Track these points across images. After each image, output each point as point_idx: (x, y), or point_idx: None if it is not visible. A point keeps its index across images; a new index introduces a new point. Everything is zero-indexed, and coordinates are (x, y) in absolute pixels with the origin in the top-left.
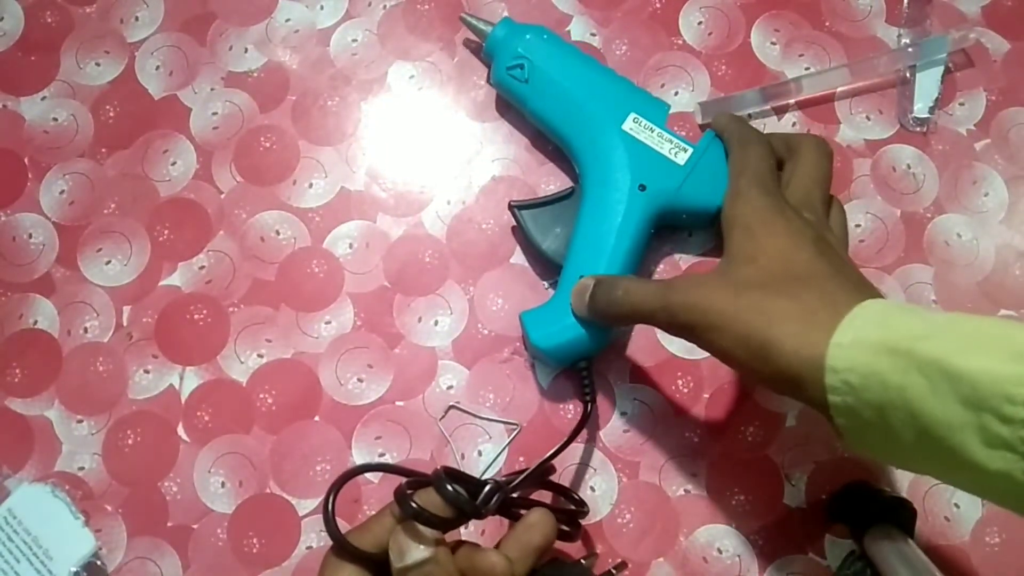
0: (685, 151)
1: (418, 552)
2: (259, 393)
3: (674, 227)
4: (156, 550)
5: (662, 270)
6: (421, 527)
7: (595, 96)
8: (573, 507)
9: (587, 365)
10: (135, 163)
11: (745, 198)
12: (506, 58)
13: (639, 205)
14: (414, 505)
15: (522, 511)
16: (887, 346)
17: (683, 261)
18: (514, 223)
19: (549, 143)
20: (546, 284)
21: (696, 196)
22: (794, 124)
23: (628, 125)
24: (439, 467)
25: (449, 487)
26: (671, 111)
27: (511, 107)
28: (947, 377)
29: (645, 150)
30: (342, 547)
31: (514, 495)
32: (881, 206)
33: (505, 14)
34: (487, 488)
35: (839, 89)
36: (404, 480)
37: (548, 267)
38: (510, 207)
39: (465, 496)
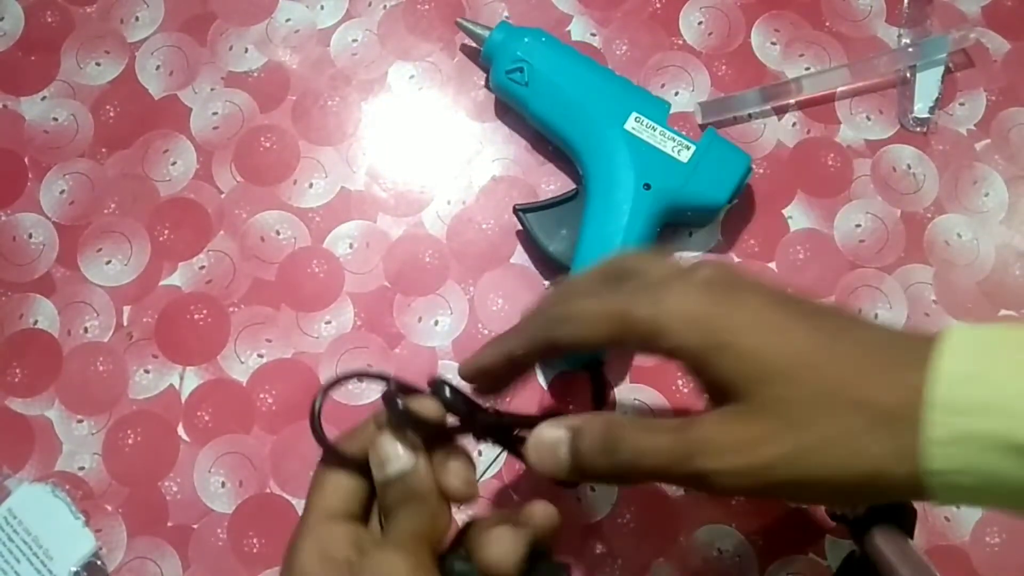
0: (688, 148)
1: (400, 462)
2: (259, 393)
3: (677, 225)
4: (156, 550)
5: None
6: (406, 436)
7: (596, 97)
8: None
9: (599, 365)
10: (135, 163)
11: (678, 306)
12: (505, 62)
13: (645, 204)
14: (401, 406)
15: (524, 434)
16: (1009, 442)
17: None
18: (518, 226)
19: (549, 143)
20: (547, 284)
21: (701, 193)
22: (794, 124)
23: (630, 124)
24: (438, 375)
25: (448, 390)
26: (671, 111)
27: (511, 109)
28: None
29: (648, 149)
30: (331, 453)
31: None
32: (881, 206)
33: (505, 14)
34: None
35: (839, 89)
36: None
37: (554, 269)
38: (515, 211)
39: (464, 401)
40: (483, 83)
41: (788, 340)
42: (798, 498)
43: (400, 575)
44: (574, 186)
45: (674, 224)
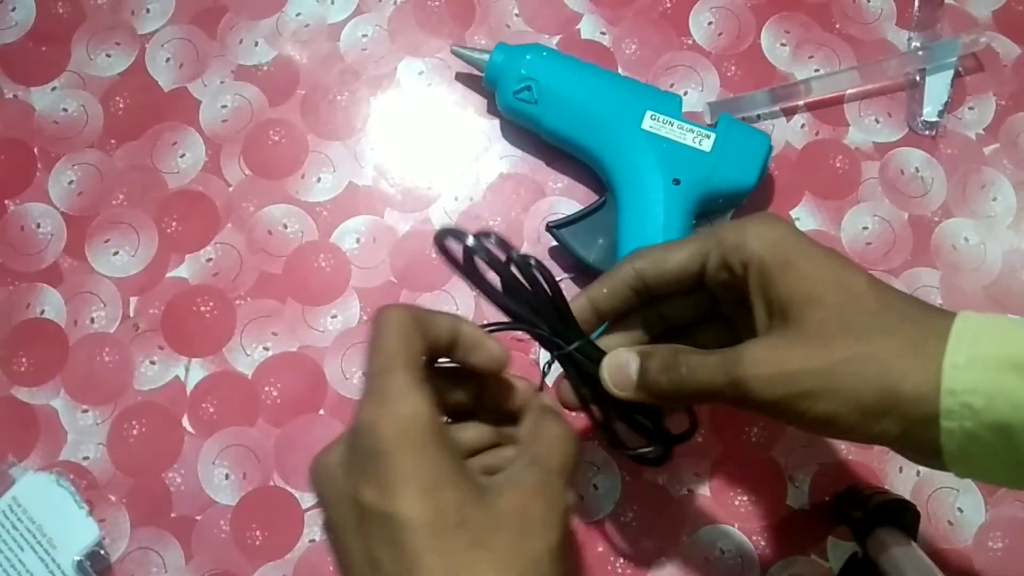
0: (708, 137)
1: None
2: (264, 386)
3: (710, 214)
4: (159, 540)
5: None
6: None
7: (608, 101)
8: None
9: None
10: (144, 155)
11: (766, 229)
12: (511, 83)
13: (677, 200)
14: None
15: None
16: (1014, 362)
17: None
18: (526, 225)
19: (566, 155)
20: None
21: (729, 178)
22: (803, 126)
23: (647, 123)
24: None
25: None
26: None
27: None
28: None
29: (671, 144)
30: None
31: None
32: (889, 209)
33: (516, 12)
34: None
35: (848, 91)
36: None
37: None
38: (547, 229)
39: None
40: (485, 108)
41: (838, 272)
42: (817, 412)
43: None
44: (592, 195)
45: (707, 213)
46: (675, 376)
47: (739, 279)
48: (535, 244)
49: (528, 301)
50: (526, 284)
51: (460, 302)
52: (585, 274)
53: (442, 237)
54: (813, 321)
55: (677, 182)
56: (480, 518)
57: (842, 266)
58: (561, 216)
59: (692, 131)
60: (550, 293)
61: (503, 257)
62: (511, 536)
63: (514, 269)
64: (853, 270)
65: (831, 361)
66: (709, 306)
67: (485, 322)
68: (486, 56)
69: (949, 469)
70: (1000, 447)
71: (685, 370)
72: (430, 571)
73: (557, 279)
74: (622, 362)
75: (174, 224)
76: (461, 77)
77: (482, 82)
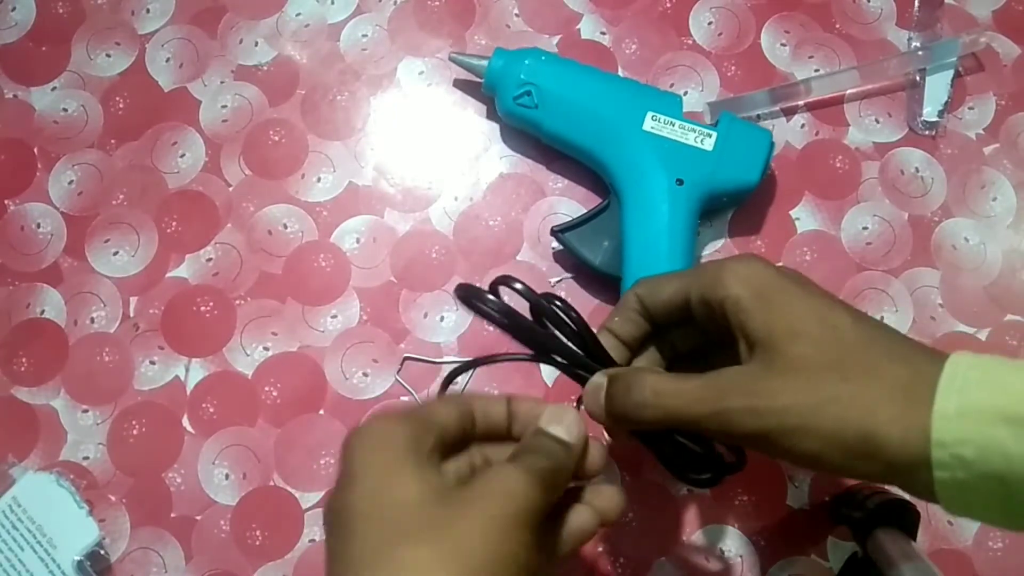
0: (710, 136)
1: (579, 434)
2: (264, 386)
3: (714, 212)
4: (159, 540)
5: None
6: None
7: (609, 104)
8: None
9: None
10: (144, 155)
11: (742, 268)
12: (511, 88)
13: (682, 200)
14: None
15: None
16: (1005, 414)
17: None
18: (526, 224)
19: (567, 158)
20: (552, 281)
21: (732, 177)
22: (803, 126)
23: (648, 124)
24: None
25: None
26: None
27: (523, 134)
28: None
29: (672, 145)
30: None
31: None
32: (889, 209)
33: (516, 12)
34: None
35: (848, 91)
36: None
37: (605, 283)
38: (552, 233)
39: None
40: (484, 113)
41: (821, 309)
42: (803, 450)
43: (519, 491)
44: (592, 195)
45: (711, 212)
46: (634, 400)
47: (719, 315)
48: (535, 244)
49: (557, 339)
50: (552, 326)
51: (460, 303)
52: (588, 275)
53: (466, 293)
54: (797, 356)
55: (680, 182)
56: (419, 497)
57: (825, 303)
58: (562, 217)
59: (694, 130)
60: (577, 330)
61: (529, 302)
62: (446, 509)
63: (540, 312)
64: (837, 306)
65: (817, 399)
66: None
67: (514, 353)
68: (484, 62)
69: (947, 511)
70: (998, 495)
71: (649, 394)
72: (356, 553)
73: (558, 279)
74: (597, 385)
75: (174, 224)
76: (459, 84)
77: (481, 88)
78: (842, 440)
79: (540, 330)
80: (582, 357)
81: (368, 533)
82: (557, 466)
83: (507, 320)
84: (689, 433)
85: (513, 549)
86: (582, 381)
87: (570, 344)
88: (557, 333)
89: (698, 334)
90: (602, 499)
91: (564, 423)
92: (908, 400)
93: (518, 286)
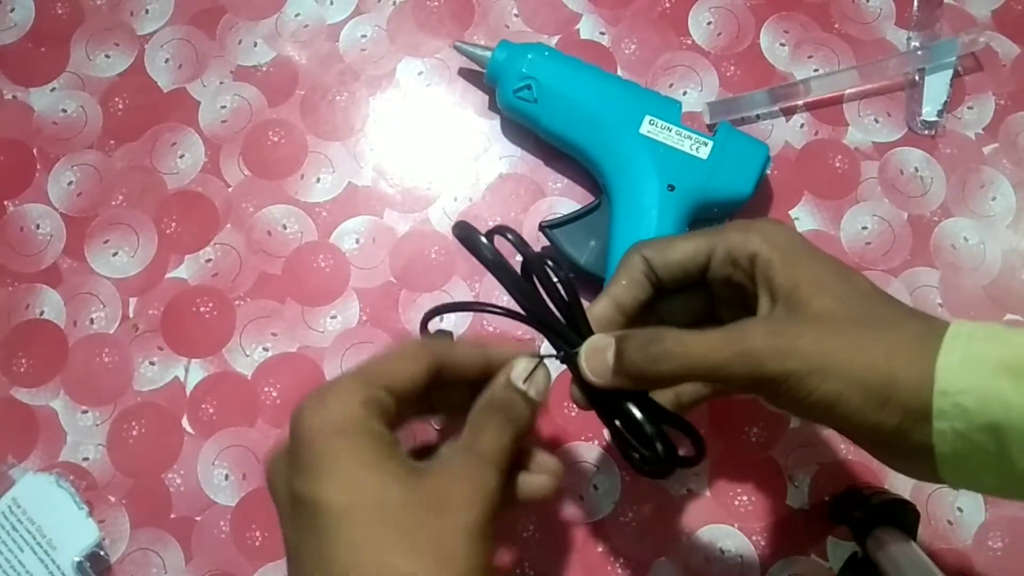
0: (706, 145)
1: (542, 386)
2: (264, 386)
3: (704, 221)
4: (159, 541)
5: None
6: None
7: (608, 104)
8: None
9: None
10: (143, 155)
11: (769, 227)
12: (511, 81)
13: (672, 206)
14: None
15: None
16: (1006, 364)
17: None
18: (525, 225)
19: (564, 155)
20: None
21: (725, 188)
22: (802, 126)
23: (645, 128)
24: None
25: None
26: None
27: (522, 126)
28: None
29: (667, 150)
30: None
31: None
32: (888, 209)
33: (515, 12)
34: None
35: (848, 91)
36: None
37: (586, 282)
38: (541, 229)
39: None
40: (487, 104)
41: (841, 269)
42: (823, 392)
43: (489, 488)
44: (590, 196)
45: (701, 220)
46: (655, 351)
47: (744, 273)
48: (533, 245)
49: (542, 300)
50: (540, 285)
51: (457, 240)
52: (574, 271)
53: (464, 231)
54: (821, 306)
55: (672, 188)
56: (399, 500)
57: (844, 266)
58: (559, 217)
59: (690, 138)
60: (565, 295)
61: (518, 255)
62: (428, 516)
63: (529, 268)
64: (856, 273)
65: (842, 342)
66: (705, 309)
67: (495, 304)
68: (488, 53)
69: (942, 476)
70: (991, 450)
71: (670, 344)
72: (337, 554)
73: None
74: (599, 346)
75: (173, 225)
76: (463, 72)
77: (483, 79)
78: (863, 381)
79: (525, 284)
80: (563, 326)
81: (351, 534)
82: (520, 432)
83: (496, 265)
84: (645, 407)
85: (489, 547)
86: (558, 343)
87: (551, 306)
88: (543, 293)
89: (691, 308)
90: (541, 463)
91: (535, 381)
92: (921, 349)
93: (511, 236)
